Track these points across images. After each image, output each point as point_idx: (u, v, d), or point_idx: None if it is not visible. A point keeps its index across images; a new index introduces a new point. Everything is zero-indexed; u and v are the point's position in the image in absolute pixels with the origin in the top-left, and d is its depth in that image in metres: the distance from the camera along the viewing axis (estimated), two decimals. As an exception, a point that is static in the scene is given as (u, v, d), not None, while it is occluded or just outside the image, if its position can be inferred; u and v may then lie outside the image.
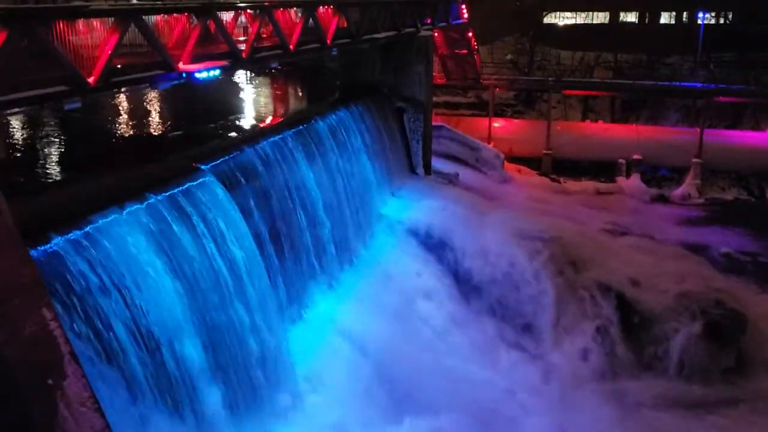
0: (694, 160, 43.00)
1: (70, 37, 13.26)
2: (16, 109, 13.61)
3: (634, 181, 43.27)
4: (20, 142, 23.18)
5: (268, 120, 27.96)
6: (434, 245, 28.68)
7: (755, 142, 44.09)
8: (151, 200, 15.32)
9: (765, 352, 25.01)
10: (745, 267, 30.90)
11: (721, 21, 67.35)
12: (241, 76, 37.21)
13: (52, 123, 24.75)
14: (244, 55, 19.57)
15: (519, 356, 24.88)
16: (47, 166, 19.56)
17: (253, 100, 33.68)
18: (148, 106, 30.69)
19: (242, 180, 19.49)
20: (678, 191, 42.70)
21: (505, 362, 24.31)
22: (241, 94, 34.54)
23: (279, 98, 35.55)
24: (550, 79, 49.27)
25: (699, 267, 29.97)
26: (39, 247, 12.14)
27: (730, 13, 66.91)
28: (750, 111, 48.36)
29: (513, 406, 21.47)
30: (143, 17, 15.33)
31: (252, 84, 37.14)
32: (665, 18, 70.02)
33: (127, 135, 25.17)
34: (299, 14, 23.37)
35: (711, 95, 44.36)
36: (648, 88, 48.49)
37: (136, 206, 14.80)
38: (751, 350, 25.12)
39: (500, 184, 40.66)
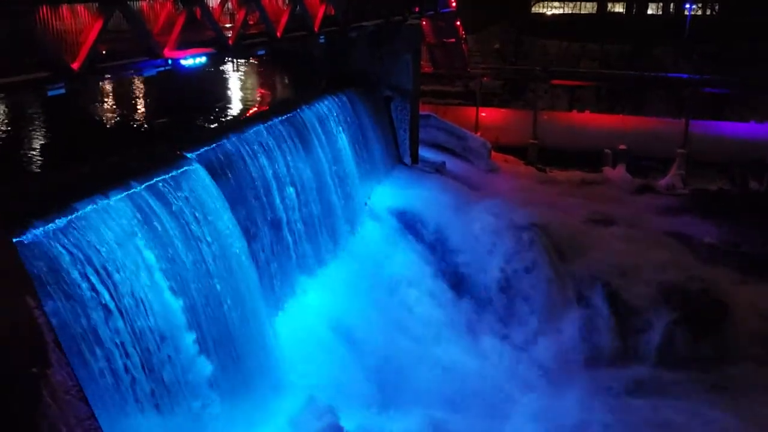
0: (679, 150, 43.26)
1: (54, 23, 13.08)
2: (-1, 95, 13.44)
3: (620, 171, 43.47)
4: (2, 129, 22.91)
5: (254, 108, 27.80)
6: (420, 233, 28.80)
7: (739, 133, 44.40)
8: (136, 188, 15.25)
9: (745, 340, 25.40)
10: (727, 257, 31.17)
11: (708, 12, 67.72)
12: (227, 64, 36.90)
13: (36, 109, 24.45)
14: (230, 42, 19.42)
15: (504, 344, 25.12)
16: (31, 153, 19.35)
17: (239, 88, 33.45)
18: (134, 93, 30.41)
19: (228, 167, 19.42)
20: (663, 181, 42.96)
21: (489, 350, 24.54)
22: (227, 82, 34.28)
23: (265, 86, 35.30)
24: (537, 68, 49.29)
25: (682, 256, 30.26)
26: (22, 235, 12.05)
27: (717, 4, 67.29)
28: (735, 102, 48.65)
29: (498, 393, 21.67)
30: (128, 2, 15.15)
31: (238, 72, 36.85)
32: (652, 9, 70.30)
33: (112, 122, 24.95)
34: (286, 1, 23.19)
35: (696, 86, 44.60)
36: (634, 79, 48.65)
37: (120, 194, 14.71)
38: (732, 339, 25.51)
39: (487, 173, 40.75)
